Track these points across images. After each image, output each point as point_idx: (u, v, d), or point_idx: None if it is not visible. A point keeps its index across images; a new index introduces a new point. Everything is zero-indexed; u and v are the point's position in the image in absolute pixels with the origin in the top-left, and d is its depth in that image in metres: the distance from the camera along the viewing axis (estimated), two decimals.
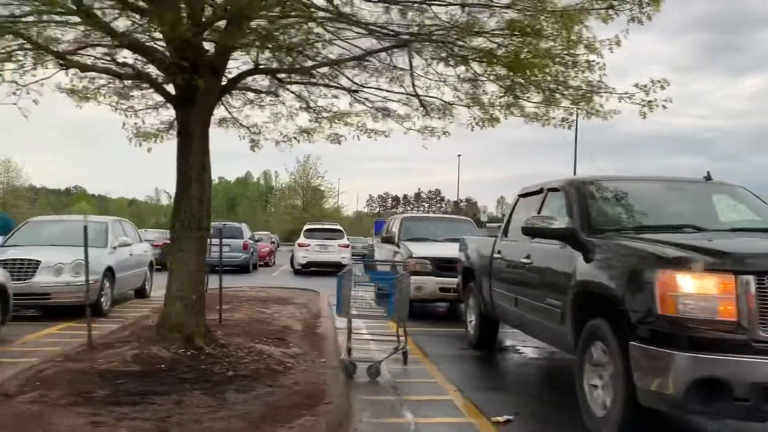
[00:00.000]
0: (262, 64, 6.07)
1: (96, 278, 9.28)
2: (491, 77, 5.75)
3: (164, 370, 5.06)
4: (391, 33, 5.46)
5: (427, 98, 6.87)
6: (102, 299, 9.51)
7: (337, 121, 7.98)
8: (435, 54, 5.61)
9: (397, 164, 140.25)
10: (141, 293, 12.02)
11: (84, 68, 5.60)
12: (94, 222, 10.93)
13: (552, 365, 7.10)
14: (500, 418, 4.71)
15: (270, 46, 5.28)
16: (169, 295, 5.85)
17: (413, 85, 6.10)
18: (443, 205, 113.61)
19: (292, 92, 7.72)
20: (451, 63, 5.61)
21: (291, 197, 59.85)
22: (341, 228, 22.86)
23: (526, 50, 5.20)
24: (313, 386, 5.02)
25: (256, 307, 9.88)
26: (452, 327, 9.37)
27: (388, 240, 12.06)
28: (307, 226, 22.16)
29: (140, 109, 7.31)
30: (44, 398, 4.35)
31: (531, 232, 5.32)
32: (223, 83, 6.03)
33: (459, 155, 62.99)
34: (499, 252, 6.79)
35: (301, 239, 21.30)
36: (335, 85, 6.61)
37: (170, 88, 6.18)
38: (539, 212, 5.91)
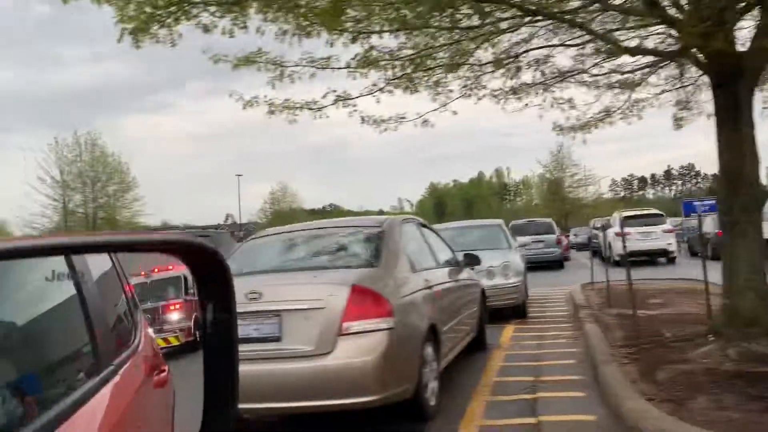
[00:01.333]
0: None
1: (521, 279, 9.28)
2: None
3: None
4: None
5: None
6: (525, 301, 9.47)
7: None
8: None
9: (633, 143, 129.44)
10: None
11: (635, 52, 5.34)
12: (489, 225, 11.13)
13: None
14: None
15: None
16: (735, 286, 5.28)
17: None
18: (699, 181, 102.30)
19: None
20: None
21: (546, 187, 58.58)
22: (662, 212, 21.14)
23: None
24: None
25: (685, 301, 9.05)
26: None
27: None
28: (624, 214, 20.83)
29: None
30: (718, 404, 3.99)
31: None
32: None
33: None
34: None
35: (618, 228, 20.06)
36: None
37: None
38: None
